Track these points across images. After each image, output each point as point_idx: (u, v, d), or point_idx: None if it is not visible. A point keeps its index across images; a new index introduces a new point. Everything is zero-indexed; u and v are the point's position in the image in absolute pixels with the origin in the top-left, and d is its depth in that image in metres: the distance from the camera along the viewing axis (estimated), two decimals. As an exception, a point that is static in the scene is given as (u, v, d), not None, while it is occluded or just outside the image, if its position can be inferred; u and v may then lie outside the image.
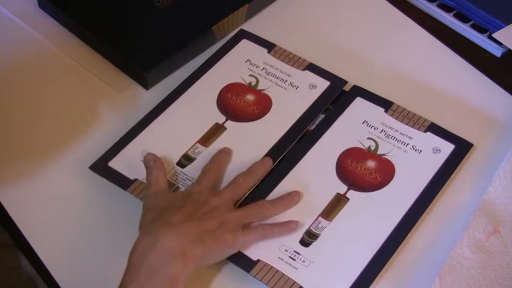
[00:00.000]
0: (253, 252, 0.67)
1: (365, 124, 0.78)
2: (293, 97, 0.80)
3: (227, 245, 0.65)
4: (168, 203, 0.67)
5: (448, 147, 0.75)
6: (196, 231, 0.63)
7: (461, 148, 0.75)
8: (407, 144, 0.76)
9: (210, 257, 0.64)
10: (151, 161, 0.71)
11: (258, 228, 0.67)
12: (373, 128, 0.77)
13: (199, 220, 0.64)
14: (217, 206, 0.67)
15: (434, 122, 0.77)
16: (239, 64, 0.84)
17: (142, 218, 0.66)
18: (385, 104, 0.79)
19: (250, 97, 0.80)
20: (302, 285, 0.65)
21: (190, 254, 0.61)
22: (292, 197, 0.71)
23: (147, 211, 0.66)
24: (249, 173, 0.71)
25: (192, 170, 0.73)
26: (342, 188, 0.72)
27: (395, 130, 0.77)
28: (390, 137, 0.76)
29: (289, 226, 0.68)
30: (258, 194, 0.72)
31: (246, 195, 0.71)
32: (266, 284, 0.65)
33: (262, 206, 0.69)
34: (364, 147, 0.75)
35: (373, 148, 0.75)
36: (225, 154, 0.74)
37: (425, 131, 0.77)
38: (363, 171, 0.73)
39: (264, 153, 0.75)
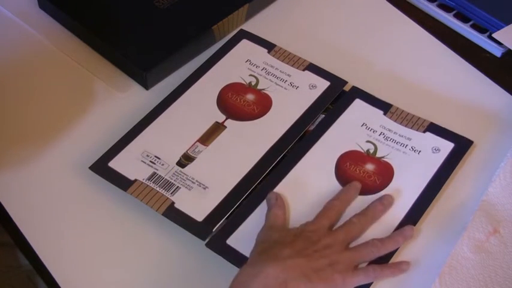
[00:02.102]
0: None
1: (364, 127, 0.77)
2: (293, 97, 0.80)
3: (335, 285, 0.63)
4: (279, 237, 0.65)
5: (447, 146, 0.75)
6: (303, 268, 0.62)
7: (461, 146, 0.75)
8: (406, 145, 0.75)
9: None
10: (273, 199, 0.69)
11: (369, 270, 0.65)
12: (372, 130, 0.77)
13: (308, 257, 0.63)
14: (329, 245, 0.64)
15: (434, 122, 0.77)
16: (239, 64, 0.84)
17: (252, 250, 0.65)
18: (384, 107, 0.79)
19: (250, 97, 0.80)
20: (302, 285, 0.65)
21: None
22: (405, 233, 0.68)
23: (258, 243, 0.65)
24: (366, 214, 0.69)
25: (192, 170, 0.73)
26: (341, 190, 0.72)
27: (394, 132, 0.77)
28: (389, 139, 0.76)
29: (400, 268, 0.66)
30: (258, 194, 0.72)
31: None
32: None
33: (374, 246, 0.66)
34: (363, 151, 0.75)
35: (371, 151, 0.75)
36: (353, 190, 0.71)
37: (424, 132, 0.77)
38: (362, 175, 0.73)
39: (264, 153, 0.75)
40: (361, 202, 0.71)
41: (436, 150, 0.75)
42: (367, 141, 0.76)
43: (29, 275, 0.83)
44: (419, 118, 0.78)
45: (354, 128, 0.77)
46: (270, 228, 0.67)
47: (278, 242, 0.64)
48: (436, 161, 0.74)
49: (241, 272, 0.62)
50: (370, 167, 0.74)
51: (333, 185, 0.72)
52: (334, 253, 0.64)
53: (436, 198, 0.72)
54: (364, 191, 0.72)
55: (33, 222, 0.72)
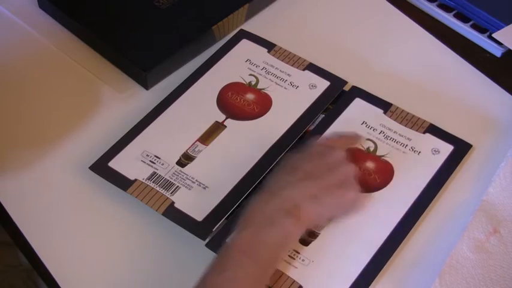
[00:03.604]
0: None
1: (364, 125, 0.78)
2: (293, 97, 0.80)
3: (347, 201, 0.65)
4: (294, 163, 0.67)
5: (447, 149, 0.75)
6: (313, 189, 0.63)
7: (460, 149, 0.75)
8: (406, 145, 0.76)
9: (327, 215, 0.65)
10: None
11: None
12: (372, 129, 0.77)
13: (318, 177, 0.64)
14: (337, 159, 0.66)
15: (433, 122, 0.77)
16: (239, 64, 0.84)
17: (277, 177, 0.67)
18: (384, 106, 0.79)
19: (250, 96, 0.80)
20: (301, 284, 0.65)
21: (305, 211, 0.62)
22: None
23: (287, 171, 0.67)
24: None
25: (192, 169, 0.73)
26: (341, 188, 0.72)
27: (394, 132, 0.77)
28: (389, 138, 0.76)
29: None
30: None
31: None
32: (266, 284, 0.65)
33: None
34: (363, 148, 0.75)
35: (372, 149, 0.75)
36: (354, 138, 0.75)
37: (424, 133, 0.77)
38: (362, 173, 0.73)
39: (264, 152, 0.75)
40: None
41: (436, 151, 0.75)
42: (367, 139, 0.76)
43: (28, 274, 0.83)
44: (418, 119, 0.78)
45: (353, 126, 0.77)
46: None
47: (292, 168, 0.66)
48: (436, 162, 0.74)
49: (257, 197, 0.64)
50: (370, 165, 0.74)
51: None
52: (343, 166, 0.66)
53: (436, 198, 0.72)
54: (364, 189, 0.72)
55: (33, 222, 0.72)
